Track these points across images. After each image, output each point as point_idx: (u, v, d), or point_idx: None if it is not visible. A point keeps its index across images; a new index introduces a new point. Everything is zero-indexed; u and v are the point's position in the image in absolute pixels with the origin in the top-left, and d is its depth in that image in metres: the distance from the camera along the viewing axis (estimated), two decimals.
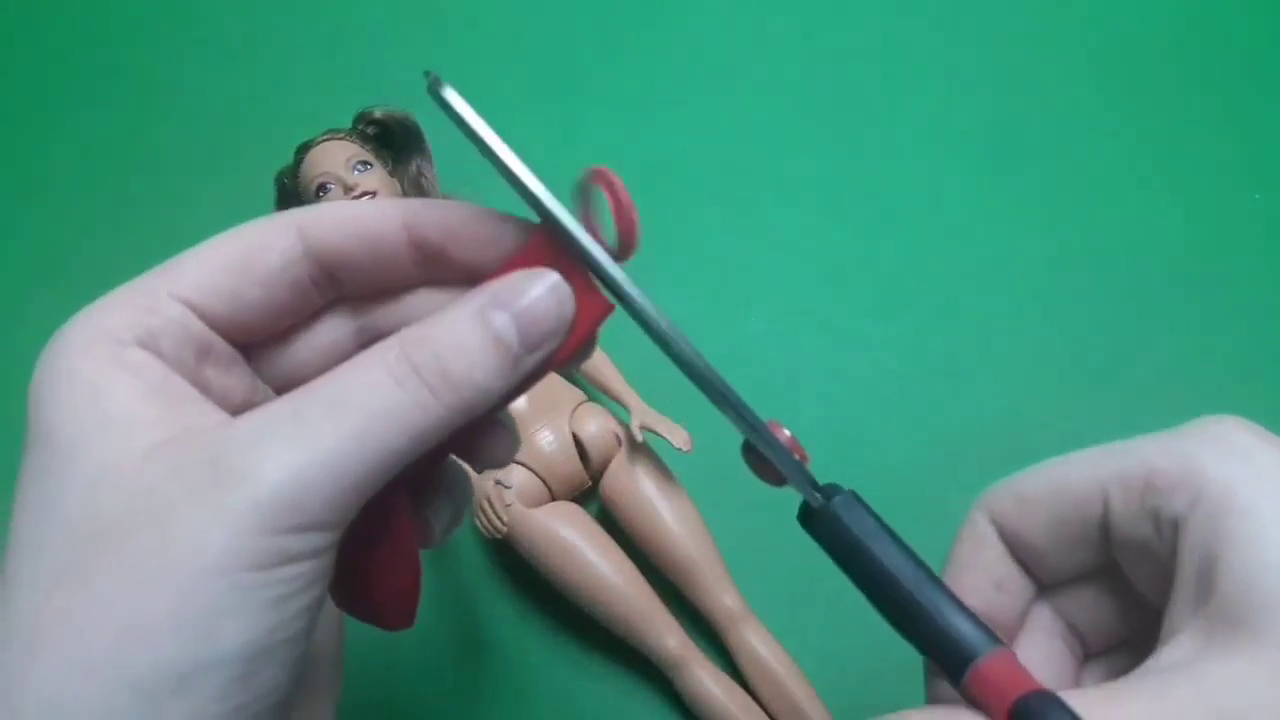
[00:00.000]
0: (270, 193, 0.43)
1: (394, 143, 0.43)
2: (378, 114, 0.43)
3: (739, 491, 0.41)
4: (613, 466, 0.39)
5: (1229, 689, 0.19)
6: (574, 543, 0.37)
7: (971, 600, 0.24)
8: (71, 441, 0.19)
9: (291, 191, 0.42)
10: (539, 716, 0.38)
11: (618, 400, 0.39)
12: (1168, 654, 0.20)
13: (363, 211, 0.23)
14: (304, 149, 0.42)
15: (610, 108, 0.49)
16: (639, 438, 0.38)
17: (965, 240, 0.46)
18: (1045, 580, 0.25)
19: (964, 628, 0.22)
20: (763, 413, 0.41)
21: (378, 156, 0.42)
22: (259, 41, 0.51)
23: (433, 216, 0.23)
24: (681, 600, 0.38)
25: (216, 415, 0.21)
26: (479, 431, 0.24)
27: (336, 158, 0.41)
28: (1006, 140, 0.49)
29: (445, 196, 0.43)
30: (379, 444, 0.19)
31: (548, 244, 0.22)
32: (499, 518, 0.36)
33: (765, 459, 0.23)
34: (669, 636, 0.37)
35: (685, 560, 0.37)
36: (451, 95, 0.22)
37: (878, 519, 0.24)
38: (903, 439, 0.42)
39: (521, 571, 0.38)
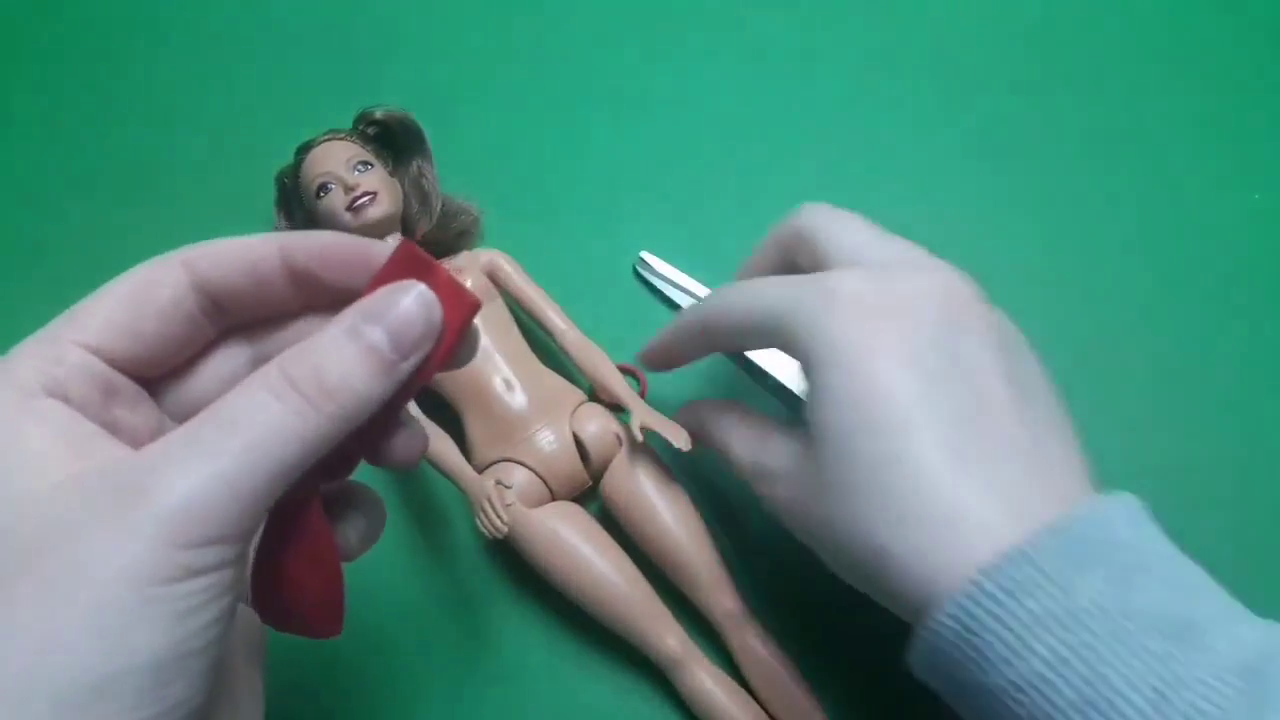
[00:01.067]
0: (271, 193, 0.43)
1: (395, 143, 0.43)
2: (378, 114, 0.43)
3: (739, 492, 0.41)
4: (613, 466, 0.39)
5: None
6: (574, 543, 0.37)
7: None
8: None
9: (292, 191, 0.42)
10: (539, 716, 0.38)
11: (617, 400, 0.39)
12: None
13: (243, 244, 0.25)
14: (304, 149, 0.42)
15: (610, 108, 0.49)
16: (639, 438, 0.38)
17: (965, 240, 0.46)
18: None
19: None
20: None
21: (378, 157, 0.42)
22: (260, 41, 0.51)
23: (304, 244, 0.25)
24: (681, 600, 0.38)
25: (123, 451, 0.22)
26: (381, 434, 0.25)
27: (337, 158, 0.41)
28: (1005, 139, 0.48)
29: (444, 197, 0.43)
30: (268, 456, 0.21)
31: (407, 260, 0.24)
32: (500, 518, 0.36)
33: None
34: (669, 636, 0.37)
35: (685, 560, 0.37)
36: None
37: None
38: None
39: (522, 571, 0.38)
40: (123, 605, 0.19)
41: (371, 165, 0.41)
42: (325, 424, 0.22)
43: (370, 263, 0.25)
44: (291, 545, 0.25)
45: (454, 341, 0.24)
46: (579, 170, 0.48)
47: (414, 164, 0.43)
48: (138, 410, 0.25)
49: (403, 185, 0.42)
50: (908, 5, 0.52)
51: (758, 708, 0.36)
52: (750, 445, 0.34)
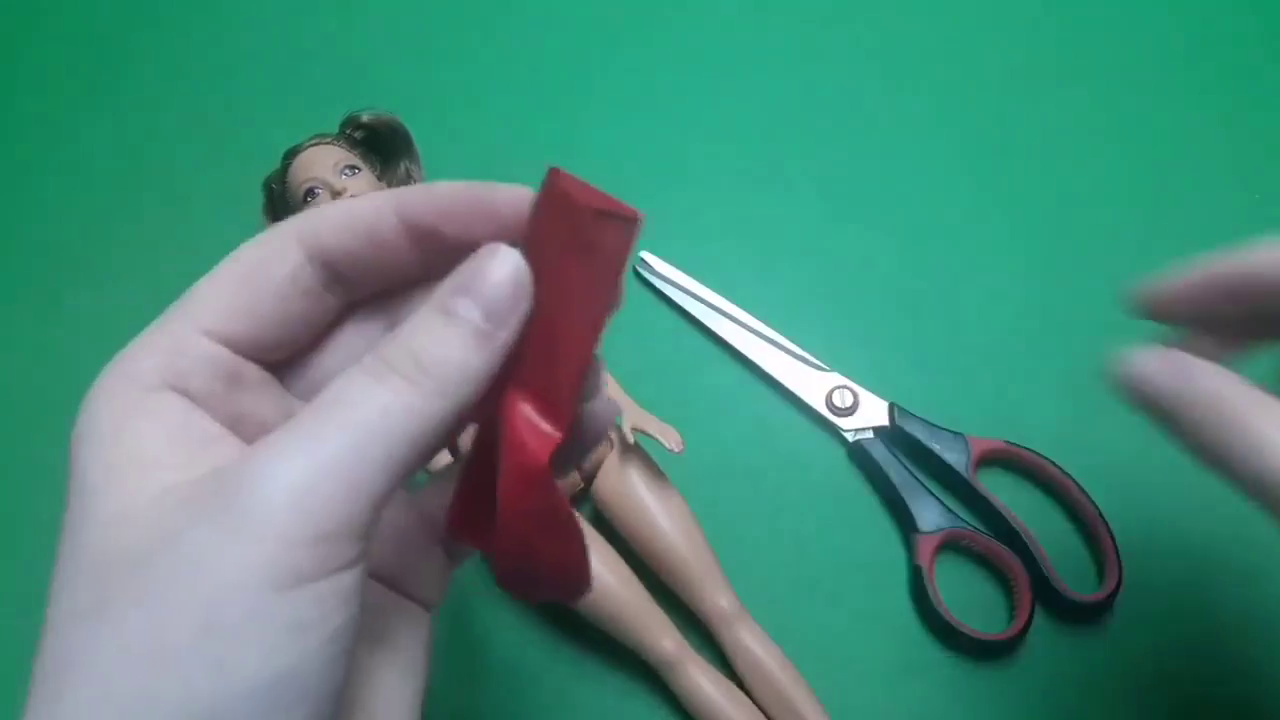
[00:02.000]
0: (258, 198, 0.43)
1: (382, 146, 0.43)
2: (365, 118, 0.43)
3: (732, 491, 0.41)
4: (605, 468, 0.38)
5: None
6: None
7: None
8: (94, 486, 0.20)
9: (279, 197, 0.42)
10: (535, 718, 0.38)
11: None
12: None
13: (355, 207, 0.23)
14: (291, 154, 0.42)
15: (609, 107, 0.49)
16: (631, 439, 0.38)
17: (964, 240, 0.46)
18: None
19: None
20: (765, 413, 0.40)
21: (366, 160, 0.42)
22: (247, 47, 0.51)
23: (422, 198, 0.23)
24: (676, 601, 0.38)
25: (242, 452, 0.21)
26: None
27: (324, 162, 0.41)
28: (1006, 139, 0.48)
29: None
30: (373, 440, 0.20)
31: (558, 201, 0.22)
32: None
33: None
34: (664, 637, 0.36)
35: (679, 560, 0.37)
36: None
37: None
38: None
39: None
40: (232, 620, 0.18)
41: (359, 169, 0.41)
42: (427, 402, 0.20)
43: (495, 209, 0.23)
44: (529, 500, 0.22)
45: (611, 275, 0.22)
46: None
47: (402, 167, 0.43)
48: (265, 398, 0.23)
49: (391, 188, 0.42)
50: (908, 5, 0.52)
51: (754, 707, 0.36)
52: None
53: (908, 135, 0.49)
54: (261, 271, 0.23)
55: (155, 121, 0.50)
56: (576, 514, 0.23)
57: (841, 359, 0.43)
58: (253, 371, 0.23)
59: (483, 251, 0.22)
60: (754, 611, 0.37)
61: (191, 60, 0.51)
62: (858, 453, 0.41)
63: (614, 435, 0.39)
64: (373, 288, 0.24)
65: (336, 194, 0.40)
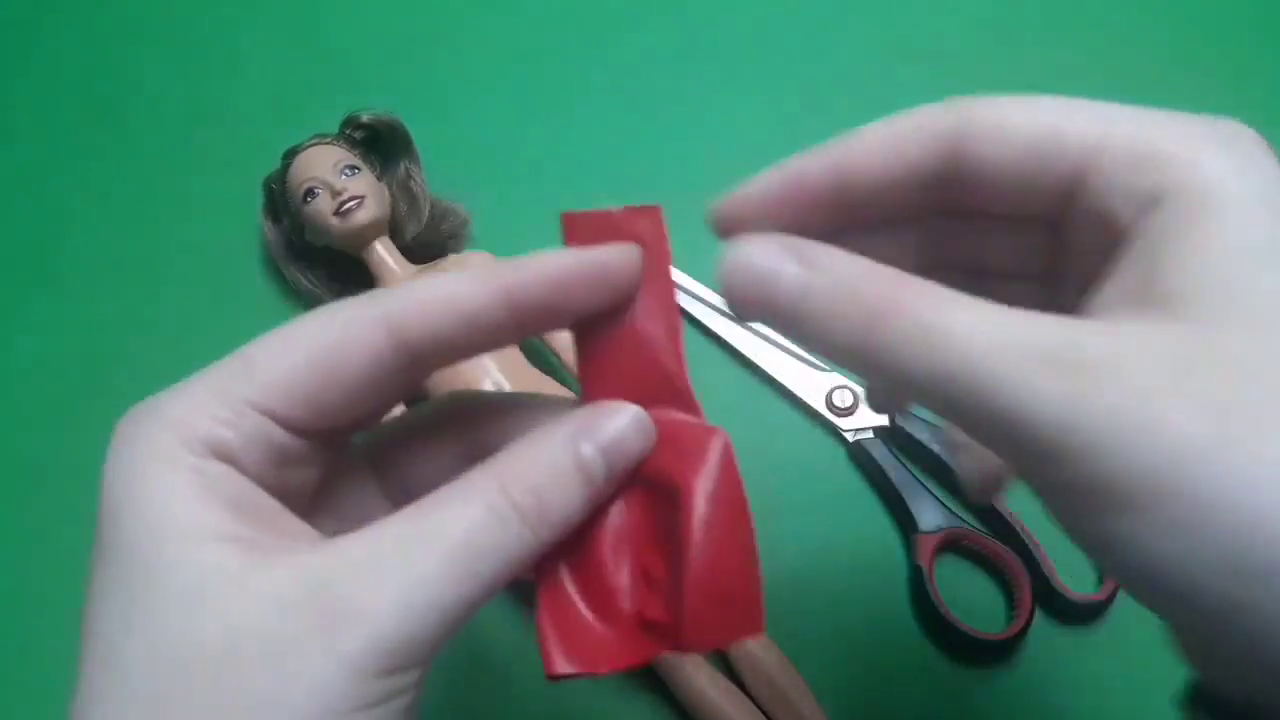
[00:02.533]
0: (258, 198, 0.43)
1: (381, 146, 0.43)
2: (365, 118, 0.43)
3: None
4: None
5: (1137, 340, 0.18)
6: None
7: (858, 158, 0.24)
8: (152, 560, 0.18)
9: (279, 196, 0.42)
10: (535, 718, 0.38)
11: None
12: (1095, 298, 0.20)
13: (456, 292, 0.21)
14: (291, 154, 0.42)
15: (610, 108, 0.49)
16: None
17: None
18: (965, 207, 0.24)
19: None
20: (766, 413, 0.40)
21: (365, 160, 0.42)
22: (247, 48, 0.51)
23: (534, 280, 0.22)
24: None
25: (303, 530, 0.21)
26: None
27: (324, 162, 0.41)
28: None
29: (433, 199, 0.43)
30: (482, 580, 0.19)
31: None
32: None
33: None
34: None
35: None
36: None
37: None
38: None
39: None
40: None
41: (358, 169, 0.41)
42: (537, 547, 0.20)
43: (608, 275, 0.22)
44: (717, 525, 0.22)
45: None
46: (570, 171, 0.48)
47: (401, 166, 0.43)
48: (307, 468, 0.22)
49: (391, 188, 0.42)
50: (908, 5, 0.52)
51: (754, 707, 0.36)
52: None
53: None
54: (339, 356, 0.21)
55: (155, 121, 0.50)
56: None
57: None
58: (303, 446, 0.22)
59: (614, 405, 0.22)
60: None
61: (191, 60, 0.51)
62: (858, 452, 0.41)
63: None
64: (457, 360, 0.23)
65: (336, 194, 0.40)
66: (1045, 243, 0.24)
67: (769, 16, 0.51)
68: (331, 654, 0.18)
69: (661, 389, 0.23)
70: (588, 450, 0.21)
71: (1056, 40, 0.51)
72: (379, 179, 0.42)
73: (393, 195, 0.42)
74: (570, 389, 0.41)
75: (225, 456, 0.20)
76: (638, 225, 0.23)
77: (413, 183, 0.42)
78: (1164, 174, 0.20)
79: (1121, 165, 0.22)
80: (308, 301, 0.44)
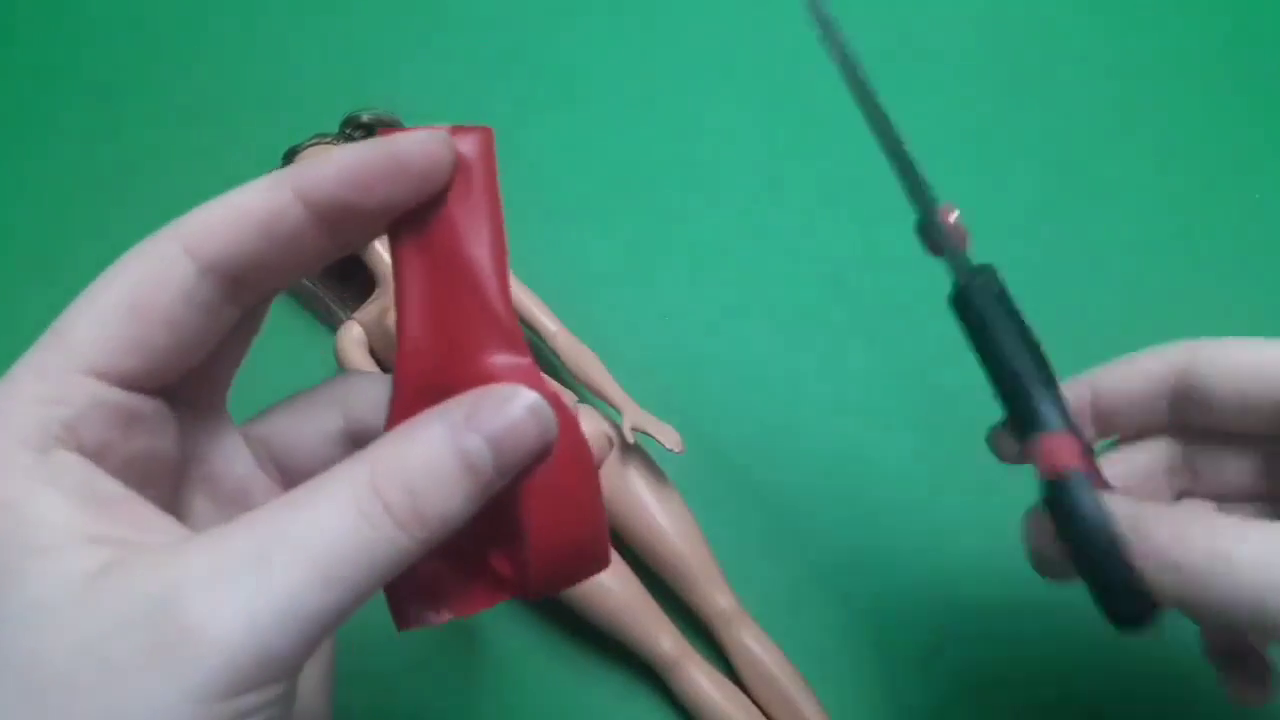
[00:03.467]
0: None
1: None
2: (365, 118, 0.43)
3: (731, 491, 0.41)
4: (605, 468, 0.38)
5: None
6: None
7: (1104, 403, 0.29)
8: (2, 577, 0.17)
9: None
10: (535, 717, 0.38)
11: (608, 402, 0.39)
12: None
13: (243, 201, 0.20)
14: (291, 154, 0.42)
15: (609, 108, 0.49)
16: (630, 439, 0.38)
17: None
18: (1130, 433, 0.30)
19: (1047, 407, 0.26)
20: (766, 414, 0.40)
21: None
22: (247, 47, 0.51)
23: (327, 175, 0.20)
24: (676, 601, 0.38)
25: (157, 521, 0.19)
26: None
27: None
28: (1005, 139, 0.48)
29: None
30: (350, 588, 0.18)
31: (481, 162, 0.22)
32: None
33: (935, 235, 0.28)
34: (664, 637, 0.36)
35: (678, 560, 0.37)
36: None
37: (1013, 306, 0.28)
38: (904, 439, 0.42)
39: None
40: None
41: None
42: (413, 550, 0.19)
43: (406, 163, 0.20)
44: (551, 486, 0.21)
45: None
46: (570, 170, 0.48)
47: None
48: (162, 429, 0.21)
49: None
50: (908, 5, 0.52)
51: (754, 707, 0.36)
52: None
53: (907, 133, 0.49)
54: (149, 295, 0.20)
55: (155, 121, 0.50)
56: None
57: None
58: (146, 405, 0.20)
59: (507, 389, 0.20)
60: (753, 611, 0.37)
61: (191, 60, 0.51)
62: None
63: (614, 435, 0.39)
64: (280, 286, 0.22)
65: None
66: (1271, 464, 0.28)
67: (769, 17, 0.51)
68: (171, 678, 0.16)
69: (486, 326, 0.21)
70: (473, 442, 0.19)
71: (1056, 39, 0.51)
72: None
73: None
74: (575, 393, 0.41)
75: (65, 439, 0.19)
76: (464, 146, 0.21)
77: None
78: None
79: None
80: (306, 301, 0.44)
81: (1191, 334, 0.44)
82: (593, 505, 0.22)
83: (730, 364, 0.43)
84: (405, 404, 0.21)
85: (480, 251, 0.21)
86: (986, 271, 0.28)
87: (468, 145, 0.21)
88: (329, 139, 0.42)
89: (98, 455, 0.19)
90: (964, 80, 0.50)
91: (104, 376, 0.19)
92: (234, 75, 0.51)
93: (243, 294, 0.21)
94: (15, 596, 0.17)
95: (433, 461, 0.19)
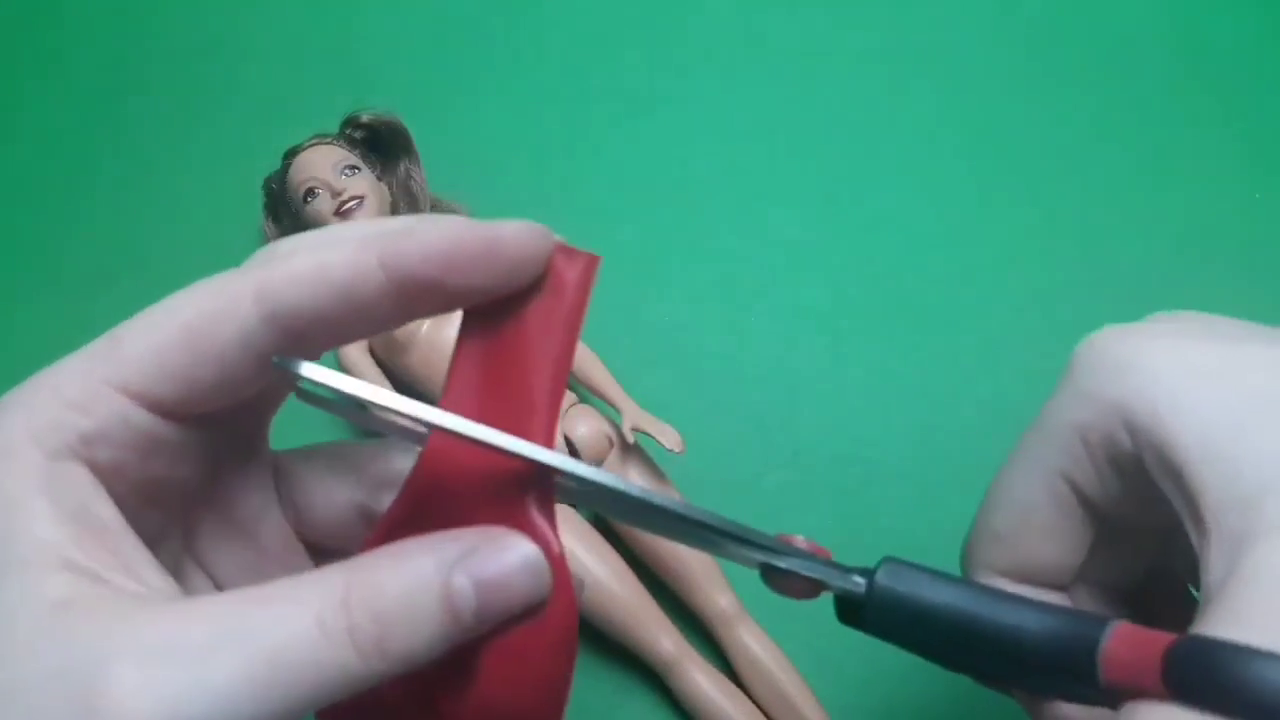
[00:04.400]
0: (259, 198, 0.43)
1: (382, 146, 0.43)
2: (365, 118, 0.43)
3: (731, 491, 0.41)
4: (604, 468, 0.38)
5: (1273, 572, 0.18)
6: (568, 545, 0.37)
7: None
8: None
9: (279, 197, 0.42)
10: None
11: (608, 402, 0.39)
12: (1208, 578, 0.19)
13: (328, 259, 0.19)
14: (291, 154, 0.42)
15: (609, 108, 0.49)
16: (631, 439, 0.38)
17: (965, 240, 0.46)
18: (1066, 582, 0.24)
19: (1065, 627, 0.20)
20: (765, 414, 0.40)
21: (365, 160, 0.42)
22: (247, 47, 0.51)
23: (416, 248, 0.19)
24: (676, 601, 0.38)
25: (136, 561, 0.18)
26: None
27: (324, 162, 0.41)
28: (1006, 140, 0.48)
29: (433, 197, 0.43)
30: (286, 697, 0.16)
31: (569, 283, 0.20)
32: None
33: (789, 575, 0.21)
34: (664, 638, 0.36)
35: (679, 561, 0.37)
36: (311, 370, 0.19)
37: (926, 572, 0.22)
38: (904, 439, 0.42)
39: None
40: None
41: (359, 169, 0.41)
42: (365, 679, 0.17)
43: (501, 252, 0.19)
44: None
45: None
46: (570, 170, 0.48)
47: (402, 166, 0.43)
48: (187, 458, 0.20)
49: (391, 188, 0.42)
50: (909, 5, 0.52)
51: (754, 707, 0.36)
52: None
53: (908, 134, 0.48)
54: (207, 331, 0.19)
55: (155, 121, 0.50)
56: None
57: None
58: (173, 432, 0.20)
59: (506, 536, 0.19)
60: (753, 611, 0.37)
61: (191, 60, 0.51)
62: None
63: (614, 435, 0.39)
64: (338, 344, 0.21)
65: (336, 194, 0.40)
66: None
67: (769, 19, 0.51)
68: None
69: (520, 416, 0.20)
70: (460, 583, 0.18)
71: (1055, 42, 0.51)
72: (379, 179, 0.42)
73: (393, 195, 0.42)
74: (573, 391, 0.41)
75: (80, 451, 0.18)
76: (565, 265, 0.20)
77: (413, 183, 0.43)
78: (1116, 443, 0.21)
79: (1087, 469, 0.22)
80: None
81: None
82: (557, 683, 0.21)
83: (730, 364, 0.43)
84: (412, 503, 0.20)
85: (541, 375, 0.20)
86: (883, 567, 0.22)
87: (571, 267, 0.20)
88: (328, 139, 0.42)
89: (109, 473, 0.19)
90: (963, 80, 0.50)
91: (137, 397, 0.19)
92: (234, 75, 0.51)
93: (301, 346, 0.20)
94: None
95: (412, 594, 0.18)
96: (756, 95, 0.49)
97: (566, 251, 0.20)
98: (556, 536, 0.20)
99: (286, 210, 0.42)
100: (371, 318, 0.20)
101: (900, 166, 0.48)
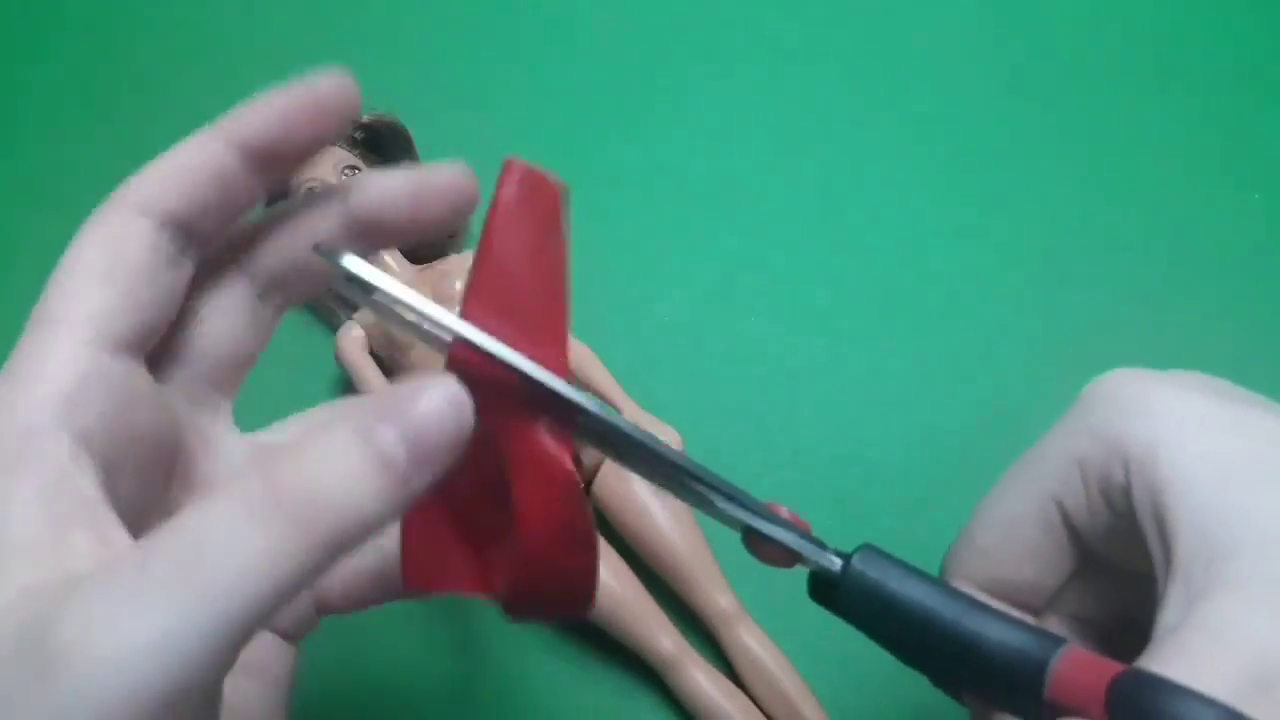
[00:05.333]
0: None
1: (382, 147, 0.43)
2: (365, 118, 0.43)
3: None
4: (605, 469, 0.38)
5: (1229, 628, 0.18)
6: None
7: None
8: None
9: (279, 197, 0.42)
10: (535, 717, 0.38)
11: (608, 402, 0.39)
12: (1163, 618, 0.20)
13: (182, 156, 0.22)
14: None
15: (609, 109, 0.49)
16: None
17: (965, 240, 0.46)
18: (1040, 605, 0.25)
19: (1022, 641, 0.20)
20: (765, 414, 0.40)
21: (365, 160, 0.42)
22: (247, 47, 0.51)
23: (256, 119, 0.22)
24: (676, 601, 0.38)
25: (109, 536, 0.18)
26: None
27: (324, 163, 0.41)
28: (1006, 139, 0.48)
29: None
30: (239, 601, 0.16)
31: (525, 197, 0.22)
32: None
33: (769, 541, 0.22)
34: (664, 637, 0.36)
35: (679, 560, 0.37)
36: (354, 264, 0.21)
37: (900, 564, 0.22)
38: (903, 439, 0.42)
39: None
40: None
41: (359, 169, 0.41)
42: (311, 555, 0.16)
43: (322, 101, 0.22)
44: (535, 501, 0.20)
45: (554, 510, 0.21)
46: (570, 170, 0.47)
47: (402, 166, 0.43)
48: (164, 416, 0.21)
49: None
50: (909, 6, 0.52)
51: (754, 707, 0.36)
52: None
53: (908, 134, 0.49)
54: (119, 256, 0.20)
55: (155, 122, 0.50)
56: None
57: None
58: (141, 377, 0.20)
59: (420, 380, 0.18)
60: (753, 611, 0.37)
61: (191, 60, 0.51)
62: None
63: None
64: (222, 237, 0.23)
65: None
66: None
67: (769, 19, 0.51)
68: (40, 709, 0.15)
69: (529, 338, 0.21)
70: (383, 431, 0.17)
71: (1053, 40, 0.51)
72: None
73: None
74: None
75: (65, 411, 0.19)
76: (559, 195, 0.23)
77: None
78: (1109, 475, 0.21)
79: (1078, 496, 0.23)
80: (308, 301, 0.44)
81: (1189, 332, 0.44)
82: (580, 539, 0.22)
83: (730, 364, 0.43)
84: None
85: (534, 300, 0.22)
86: (860, 552, 0.22)
87: (526, 191, 0.23)
88: None
89: (94, 430, 0.19)
90: (963, 81, 0.50)
91: (101, 342, 0.20)
92: (234, 75, 0.51)
93: (193, 247, 0.22)
94: None
95: (334, 452, 0.17)
96: (756, 95, 0.49)
97: (528, 178, 0.23)
98: (570, 456, 0.21)
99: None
100: (239, 196, 0.22)
101: (900, 167, 0.48)
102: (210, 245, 0.22)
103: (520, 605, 0.22)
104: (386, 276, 0.20)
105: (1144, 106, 0.49)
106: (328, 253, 0.21)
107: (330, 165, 0.40)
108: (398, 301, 0.20)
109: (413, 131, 0.44)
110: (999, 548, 0.24)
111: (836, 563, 0.22)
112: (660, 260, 0.45)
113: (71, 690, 0.15)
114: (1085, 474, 0.22)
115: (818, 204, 0.47)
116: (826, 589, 0.22)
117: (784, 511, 0.23)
